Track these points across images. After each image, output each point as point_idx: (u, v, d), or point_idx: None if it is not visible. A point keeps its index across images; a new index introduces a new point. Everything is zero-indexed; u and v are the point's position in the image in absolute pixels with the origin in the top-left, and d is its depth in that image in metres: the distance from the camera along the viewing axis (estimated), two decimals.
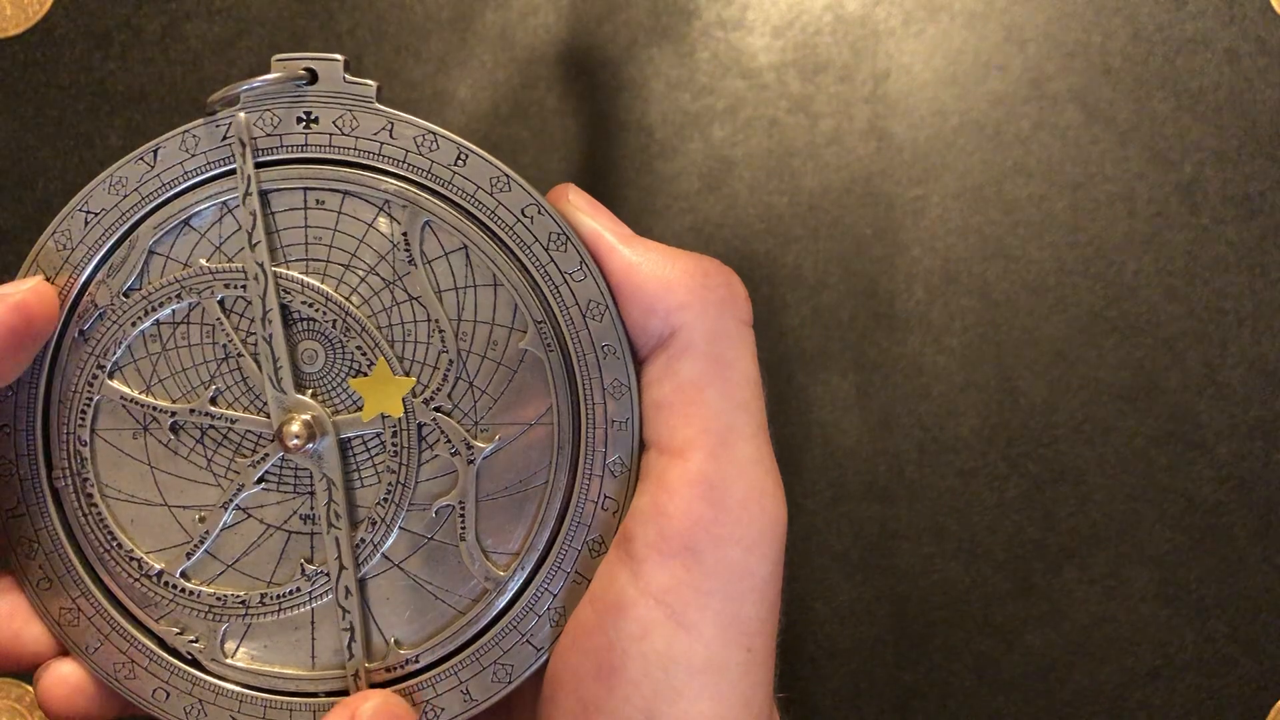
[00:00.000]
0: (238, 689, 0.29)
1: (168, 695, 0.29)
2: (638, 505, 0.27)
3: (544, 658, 0.28)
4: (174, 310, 0.29)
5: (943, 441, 0.48)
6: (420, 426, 0.29)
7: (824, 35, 0.48)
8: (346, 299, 0.29)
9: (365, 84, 0.28)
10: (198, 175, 0.28)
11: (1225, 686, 0.47)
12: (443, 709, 0.29)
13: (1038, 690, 0.48)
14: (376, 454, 0.29)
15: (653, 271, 0.28)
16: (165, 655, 0.29)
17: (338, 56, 0.28)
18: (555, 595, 0.28)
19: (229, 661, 0.29)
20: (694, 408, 0.27)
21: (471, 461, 0.28)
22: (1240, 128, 0.48)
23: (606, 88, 0.49)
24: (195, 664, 0.29)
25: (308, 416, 0.28)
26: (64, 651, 0.30)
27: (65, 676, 0.29)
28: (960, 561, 0.48)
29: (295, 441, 0.28)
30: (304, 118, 0.28)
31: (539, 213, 0.28)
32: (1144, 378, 0.48)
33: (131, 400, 0.29)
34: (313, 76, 0.28)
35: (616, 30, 0.49)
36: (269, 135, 0.28)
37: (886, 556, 0.48)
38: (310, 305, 0.29)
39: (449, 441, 0.29)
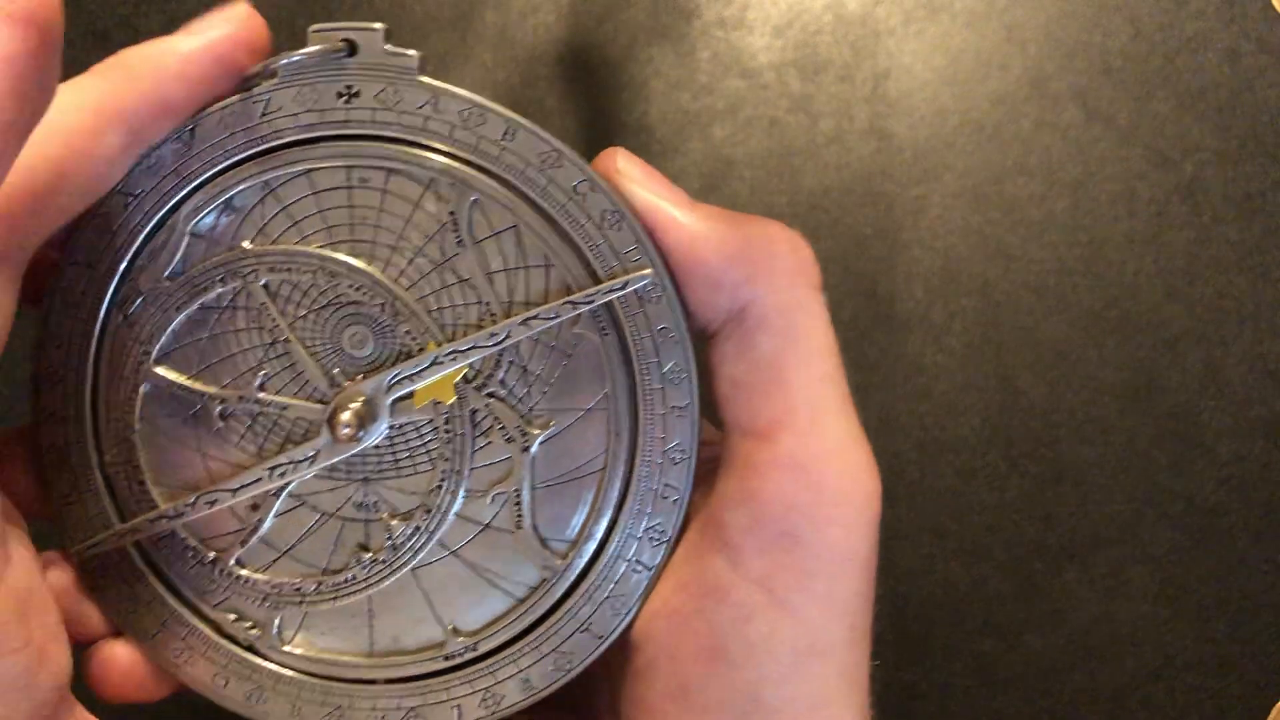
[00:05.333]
0: (297, 675, 0.29)
1: (226, 682, 0.29)
2: (725, 490, 0.26)
3: (605, 646, 0.28)
4: (219, 294, 0.28)
5: (943, 441, 0.48)
6: (473, 413, 0.28)
7: (824, 35, 0.48)
8: (394, 281, 0.28)
9: (407, 54, 0.27)
10: (238, 154, 0.27)
11: (1225, 686, 0.47)
12: (503, 696, 0.28)
13: (1038, 690, 0.48)
14: (430, 440, 0.28)
15: (717, 245, 0.26)
16: (223, 642, 0.29)
17: (377, 26, 0.27)
18: (615, 584, 0.28)
19: (287, 649, 0.29)
20: (775, 386, 0.26)
21: (526, 448, 0.28)
22: (1241, 128, 0.48)
23: (606, 87, 0.49)
24: (253, 650, 0.29)
25: (358, 404, 0.28)
26: (117, 632, 0.29)
27: (118, 657, 0.29)
28: (960, 561, 0.48)
29: (346, 430, 0.27)
30: (344, 92, 0.27)
31: (592, 189, 0.27)
32: (1144, 378, 0.48)
33: (180, 386, 0.28)
34: (352, 48, 0.27)
35: (616, 30, 0.49)
36: (309, 111, 0.27)
37: (886, 556, 0.48)
38: (358, 289, 0.28)
39: (503, 428, 0.28)
